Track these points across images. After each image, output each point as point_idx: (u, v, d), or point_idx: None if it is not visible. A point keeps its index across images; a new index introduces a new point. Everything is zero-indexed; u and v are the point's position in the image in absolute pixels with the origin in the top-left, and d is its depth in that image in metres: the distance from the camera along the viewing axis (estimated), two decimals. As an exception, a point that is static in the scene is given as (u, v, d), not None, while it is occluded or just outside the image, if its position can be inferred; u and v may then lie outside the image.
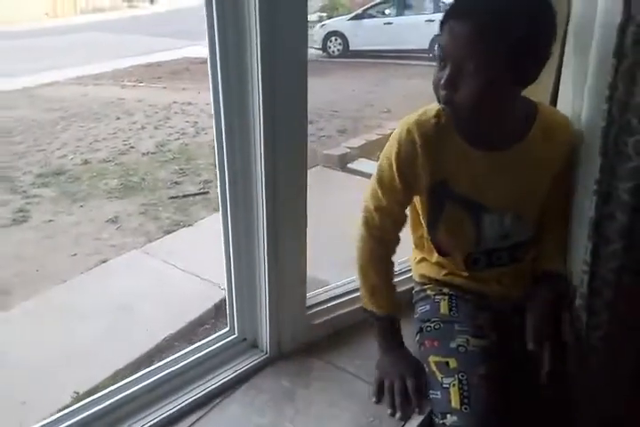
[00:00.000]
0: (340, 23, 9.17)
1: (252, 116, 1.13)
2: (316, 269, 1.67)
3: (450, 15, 0.84)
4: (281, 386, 1.23)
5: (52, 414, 1.10)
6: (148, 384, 1.23)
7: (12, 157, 4.10)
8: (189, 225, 3.15)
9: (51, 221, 3.17)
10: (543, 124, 0.96)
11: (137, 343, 2.09)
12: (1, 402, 1.70)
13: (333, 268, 2.02)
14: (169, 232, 3.06)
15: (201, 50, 9.14)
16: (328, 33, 9.00)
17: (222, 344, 1.35)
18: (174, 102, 5.67)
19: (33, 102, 5.69)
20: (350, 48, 8.80)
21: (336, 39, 8.97)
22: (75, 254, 2.79)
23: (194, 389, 1.25)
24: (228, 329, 1.39)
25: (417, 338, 1.10)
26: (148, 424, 1.15)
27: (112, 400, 1.16)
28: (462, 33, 0.81)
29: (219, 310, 2.28)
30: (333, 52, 8.90)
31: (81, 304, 2.35)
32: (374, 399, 1.09)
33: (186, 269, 2.58)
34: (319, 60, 8.43)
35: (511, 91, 0.89)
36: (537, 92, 0.99)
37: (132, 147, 4.43)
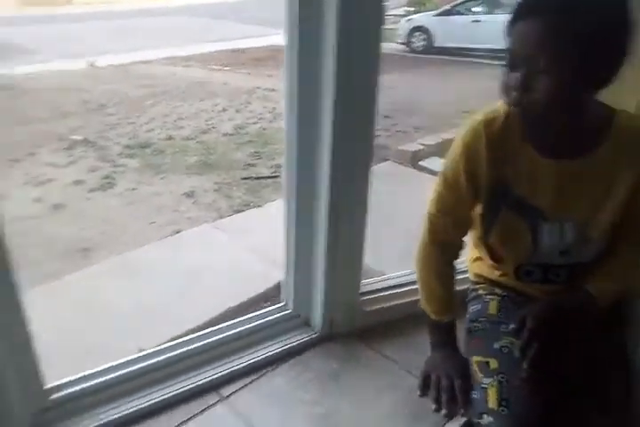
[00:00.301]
0: (426, 18, 9.01)
1: (323, 105, 1.18)
2: (374, 261, 1.69)
3: (518, 15, 0.83)
4: (328, 366, 1.27)
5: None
6: (201, 346, 1.32)
7: (104, 128, 4.42)
8: (259, 206, 3.25)
9: (134, 189, 3.40)
10: (622, 134, 0.91)
11: (200, 311, 2.20)
12: (65, 352, 1.83)
13: (391, 261, 2.04)
14: (239, 211, 3.18)
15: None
16: (413, 28, 8.87)
17: (276, 318, 1.41)
18: (257, 88, 5.84)
19: (127, 78, 6.06)
20: (435, 44, 8.63)
21: (420, 34, 8.83)
22: (153, 222, 2.98)
23: (244, 356, 1.32)
24: (283, 304, 1.46)
25: (465, 337, 1.09)
26: (199, 383, 1.24)
27: (167, 356, 1.26)
28: (532, 32, 0.81)
29: (278, 291, 2.36)
30: (417, 47, 8.78)
31: (153, 269, 2.51)
32: (419, 393, 1.09)
33: (252, 248, 2.68)
34: (401, 54, 8.33)
35: (584, 92, 0.86)
36: (624, 96, 0.95)
37: (213, 127, 4.63)
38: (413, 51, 8.72)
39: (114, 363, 1.25)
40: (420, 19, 9.07)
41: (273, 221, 2.96)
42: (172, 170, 3.71)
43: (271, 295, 2.40)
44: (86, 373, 1.22)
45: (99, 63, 6.51)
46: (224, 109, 5.16)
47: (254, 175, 3.69)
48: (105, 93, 5.35)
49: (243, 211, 3.17)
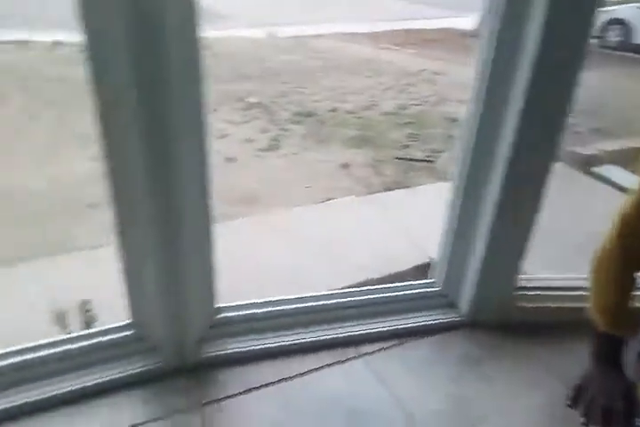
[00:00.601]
0: (629, 11, 7.94)
1: (511, 96, 1.13)
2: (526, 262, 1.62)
3: None
4: (470, 351, 1.27)
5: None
6: (348, 302, 1.40)
7: (277, 94, 4.75)
8: (408, 187, 3.27)
9: (296, 154, 3.64)
10: None
11: (340, 277, 2.31)
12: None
13: (541, 266, 1.93)
14: (389, 189, 3.24)
15: (465, 22, 8.77)
16: (611, 20, 7.90)
17: (422, 292, 1.44)
18: (424, 70, 5.76)
19: (302, 50, 6.38)
20: (634, 41, 7.62)
21: (618, 28, 7.84)
22: (309, 187, 3.18)
23: (387, 321, 1.37)
24: (432, 281, 1.47)
25: (636, 360, 1.00)
26: (341, 335, 1.32)
27: (316, 304, 1.36)
28: None
29: (418, 273, 2.38)
30: (611, 42, 7.83)
31: (303, 229, 2.69)
32: (567, 402, 1.04)
33: (397, 226, 2.72)
34: (591, 49, 7.49)
35: None
36: None
37: (374, 104, 4.70)
38: (606, 46, 7.80)
39: (270, 298, 1.40)
40: (622, 10, 8.03)
41: (420, 203, 2.98)
42: (332, 141, 3.87)
43: (409, 276, 2.43)
44: (249, 301, 1.38)
45: (279, 33, 6.93)
46: (388, 88, 5.19)
47: (409, 157, 3.69)
48: (282, 63, 5.71)
49: (392, 189, 3.22)
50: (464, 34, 7.52)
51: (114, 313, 1.51)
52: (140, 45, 0.88)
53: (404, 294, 1.44)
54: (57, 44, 5.48)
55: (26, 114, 4.05)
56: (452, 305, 1.42)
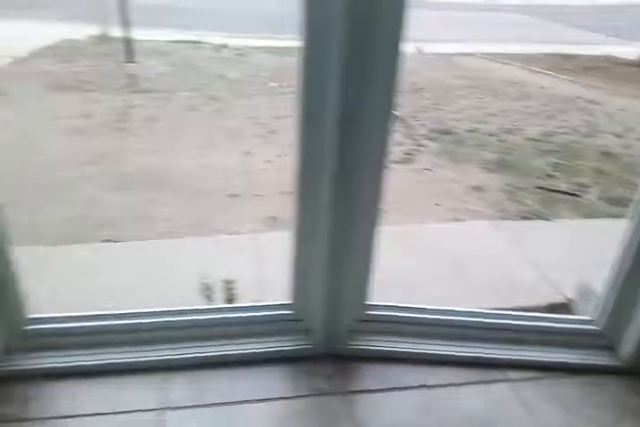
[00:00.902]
0: None
1: None
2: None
3: None
4: (628, 399, 1.17)
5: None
6: (490, 323, 1.34)
7: (417, 109, 4.75)
8: (547, 219, 3.07)
9: (427, 169, 3.60)
10: None
11: (465, 299, 2.23)
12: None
13: None
14: (524, 218, 3.07)
15: (626, 51, 8.04)
16: None
17: (576, 328, 1.34)
18: (577, 97, 5.38)
19: (448, 67, 6.32)
20: None
21: None
22: (438, 204, 3.13)
23: (534, 351, 1.30)
24: (588, 318, 1.37)
25: None
26: (485, 356, 1.27)
27: (454, 318, 1.32)
28: None
29: (551, 311, 2.20)
30: None
31: (432, 245, 2.64)
32: None
33: (529, 259, 2.57)
34: None
35: None
36: None
37: (518, 129, 4.49)
38: None
39: (418, 305, 1.40)
40: None
41: (559, 238, 2.77)
42: (467, 161, 3.78)
43: (540, 312, 2.27)
44: (396, 304, 1.39)
45: (427, 49, 6.94)
46: (534, 113, 4.93)
47: (551, 187, 3.47)
48: (426, 78, 5.71)
49: (529, 219, 3.05)
50: (625, 63, 6.90)
51: (252, 295, 1.63)
52: (350, 53, 0.95)
53: (556, 327, 1.37)
54: (222, 46, 6.04)
55: (189, 107, 4.51)
56: (610, 348, 1.31)
